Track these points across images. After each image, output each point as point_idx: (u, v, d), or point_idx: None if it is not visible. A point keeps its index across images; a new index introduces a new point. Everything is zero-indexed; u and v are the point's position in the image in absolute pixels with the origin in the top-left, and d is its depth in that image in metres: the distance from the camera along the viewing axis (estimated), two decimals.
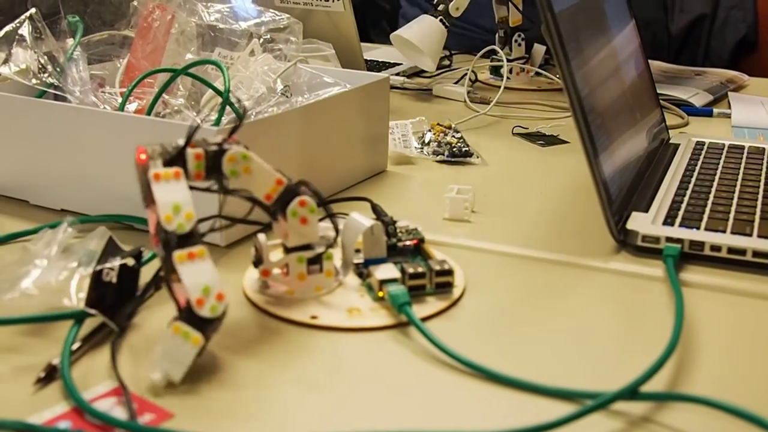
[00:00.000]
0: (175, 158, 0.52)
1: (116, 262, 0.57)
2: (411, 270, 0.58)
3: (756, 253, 0.64)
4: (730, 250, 0.65)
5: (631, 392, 0.47)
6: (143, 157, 0.52)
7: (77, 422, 0.45)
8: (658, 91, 0.99)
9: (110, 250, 0.59)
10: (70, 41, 0.82)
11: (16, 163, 0.78)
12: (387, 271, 0.58)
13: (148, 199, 0.51)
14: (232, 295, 0.60)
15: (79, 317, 0.54)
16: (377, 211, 0.64)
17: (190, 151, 0.53)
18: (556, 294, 0.62)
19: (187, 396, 0.48)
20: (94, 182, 0.73)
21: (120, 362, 0.51)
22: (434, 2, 1.15)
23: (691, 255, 0.66)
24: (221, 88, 0.75)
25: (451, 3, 1.13)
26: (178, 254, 0.49)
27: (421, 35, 1.13)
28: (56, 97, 0.79)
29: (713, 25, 1.85)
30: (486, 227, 0.73)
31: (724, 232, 0.67)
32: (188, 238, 0.50)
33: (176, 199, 0.50)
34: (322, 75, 0.85)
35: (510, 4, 1.23)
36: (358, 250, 0.61)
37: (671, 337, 0.53)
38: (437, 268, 0.59)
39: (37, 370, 0.49)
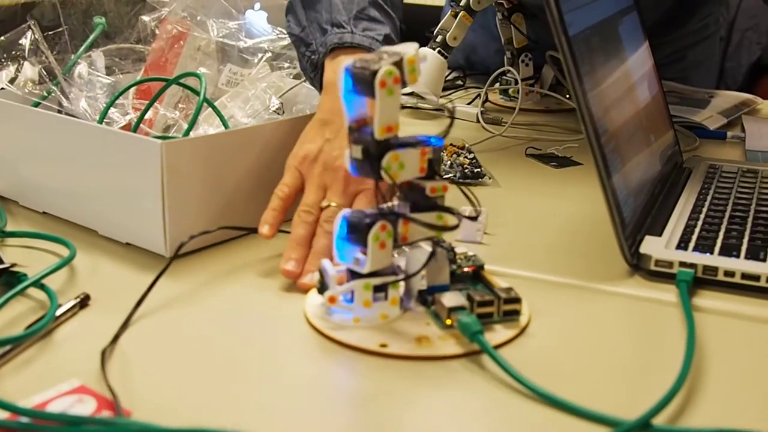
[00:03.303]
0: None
1: None
2: (478, 298, 0.58)
3: None
4: (744, 276, 0.64)
5: (643, 425, 0.47)
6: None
7: None
8: (672, 113, 0.98)
9: None
10: (71, 55, 0.83)
11: (9, 166, 0.81)
12: (454, 298, 0.58)
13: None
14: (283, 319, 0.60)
15: None
16: (434, 238, 0.64)
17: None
18: (568, 318, 0.61)
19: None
20: (70, 188, 0.75)
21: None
22: (433, 33, 1.16)
23: (704, 280, 0.65)
24: (227, 101, 0.76)
25: (448, 33, 1.13)
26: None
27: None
28: (60, 106, 0.81)
29: (728, 46, 1.85)
30: (498, 249, 0.73)
31: (737, 257, 0.67)
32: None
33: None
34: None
35: (513, 26, 1.23)
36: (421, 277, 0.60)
37: (682, 367, 0.52)
38: (505, 296, 0.59)
39: None
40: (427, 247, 0.58)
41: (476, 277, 0.63)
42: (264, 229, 0.68)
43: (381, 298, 0.58)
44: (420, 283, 0.60)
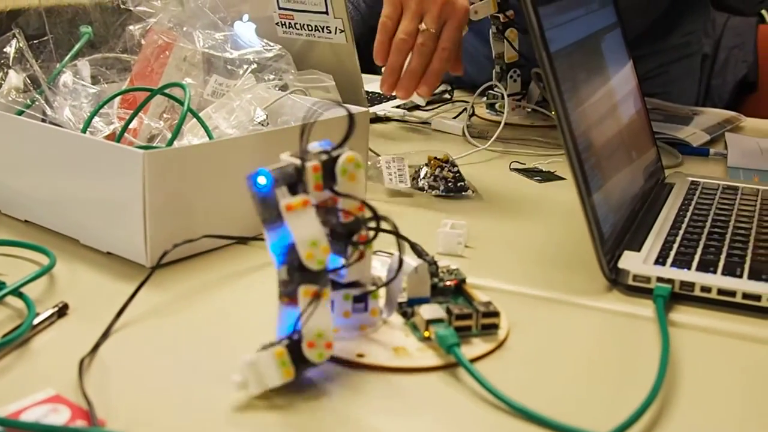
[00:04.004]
0: (297, 179, 0.52)
1: None
2: (457, 311, 0.58)
3: (745, 295, 0.64)
4: (720, 291, 0.65)
5: None
6: (265, 182, 0.52)
7: None
8: (656, 130, 0.99)
9: None
10: (56, 64, 0.84)
11: None
12: (433, 311, 0.58)
13: (271, 222, 0.52)
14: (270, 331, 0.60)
15: None
16: (417, 251, 0.64)
17: (308, 165, 0.52)
18: (545, 332, 0.62)
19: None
20: (53, 197, 0.75)
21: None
22: None
23: (681, 295, 0.66)
24: (212, 112, 0.77)
25: None
26: (303, 289, 0.51)
27: None
28: (44, 115, 0.81)
29: (714, 64, 1.86)
30: (478, 262, 0.73)
31: (714, 272, 0.67)
32: (317, 274, 0.52)
33: (312, 235, 0.51)
34: (308, 104, 0.87)
35: (505, 40, 1.24)
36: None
37: (654, 382, 0.53)
38: (483, 309, 0.59)
39: None
40: (406, 259, 0.58)
41: (458, 290, 0.64)
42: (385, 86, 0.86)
43: (360, 308, 0.58)
44: (400, 295, 0.60)
